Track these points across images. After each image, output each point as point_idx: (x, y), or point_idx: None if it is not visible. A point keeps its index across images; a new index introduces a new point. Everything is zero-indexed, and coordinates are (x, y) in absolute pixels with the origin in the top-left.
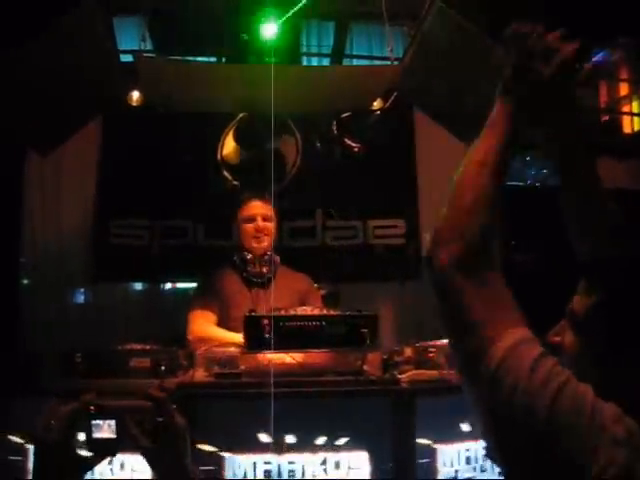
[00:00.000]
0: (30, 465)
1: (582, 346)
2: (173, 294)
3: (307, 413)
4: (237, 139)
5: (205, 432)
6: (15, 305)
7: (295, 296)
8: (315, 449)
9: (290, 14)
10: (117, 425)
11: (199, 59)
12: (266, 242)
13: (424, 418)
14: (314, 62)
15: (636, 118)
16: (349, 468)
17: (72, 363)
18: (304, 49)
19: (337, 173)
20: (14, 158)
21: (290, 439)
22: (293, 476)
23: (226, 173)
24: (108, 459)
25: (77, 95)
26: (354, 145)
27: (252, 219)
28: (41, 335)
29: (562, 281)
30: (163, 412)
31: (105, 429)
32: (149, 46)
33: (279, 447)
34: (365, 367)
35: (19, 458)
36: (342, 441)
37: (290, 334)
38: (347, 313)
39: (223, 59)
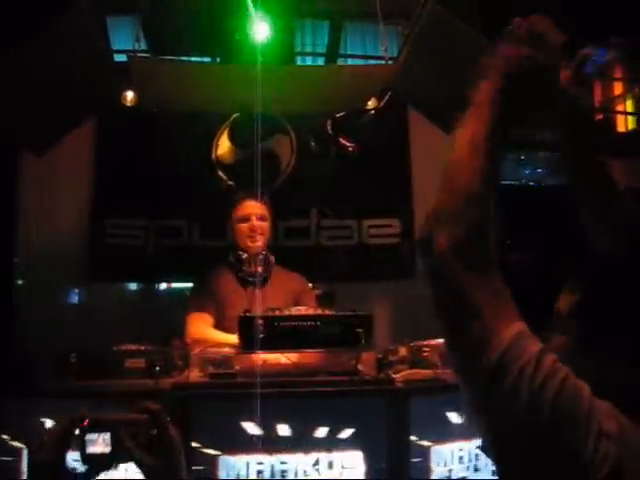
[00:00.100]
0: (24, 466)
1: (568, 344)
2: (168, 294)
3: (302, 413)
4: (232, 139)
5: (199, 432)
6: (9, 305)
7: (290, 296)
8: (308, 449)
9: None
10: (112, 438)
11: (193, 59)
12: (261, 242)
13: (418, 417)
14: (308, 62)
15: (630, 117)
16: (342, 468)
17: (66, 363)
18: (298, 49)
19: (332, 173)
20: (8, 158)
21: (284, 439)
22: (285, 476)
23: (221, 173)
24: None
25: (71, 95)
26: (349, 145)
27: (247, 219)
28: (35, 335)
29: (557, 280)
30: (157, 424)
31: (100, 443)
32: (143, 46)
33: (273, 446)
34: (359, 367)
35: (12, 459)
36: (336, 441)
37: (285, 334)
38: (341, 313)
39: (217, 59)
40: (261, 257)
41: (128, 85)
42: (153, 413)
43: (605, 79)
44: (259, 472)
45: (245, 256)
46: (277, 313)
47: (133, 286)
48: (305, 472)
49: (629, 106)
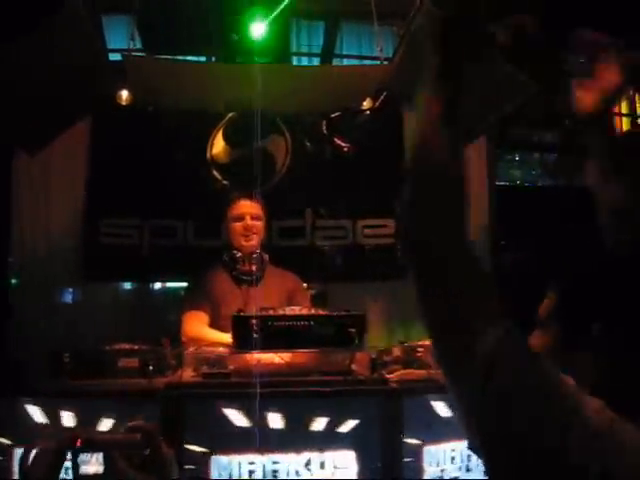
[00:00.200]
0: (15, 466)
1: (549, 343)
2: (163, 294)
3: (295, 413)
4: (226, 138)
5: (192, 432)
6: (3, 305)
7: (284, 295)
8: (300, 449)
9: (278, 12)
10: (105, 459)
11: (188, 58)
12: (255, 241)
13: (411, 417)
14: (304, 62)
15: (624, 118)
16: (335, 468)
17: (60, 363)
18: (294, 48)
19: (326, 173)
20: (2, 158)
21: (277, 439)
22: (277, 476)
23: (215, 172)
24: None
25: (65, 94)
26: (344, 145)
27: (241, 218)
28: (29, 335)
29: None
30: (151, 444)
31: (93, 463)
32: (138, 45)
33: (265, 446)
34: (353, 367)
35: (2, 458)
36: (329, 441)
37: (278, 334)
38: (335, 313)
39: (213, 58)
40: (255, 256)
41: (123, 84)
42: (146, 433)
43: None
44: (251, 472)
45: (239, 255)
46: (271, 313)
47: (127, 286)
48: (297, 472)
49: (623, 107)
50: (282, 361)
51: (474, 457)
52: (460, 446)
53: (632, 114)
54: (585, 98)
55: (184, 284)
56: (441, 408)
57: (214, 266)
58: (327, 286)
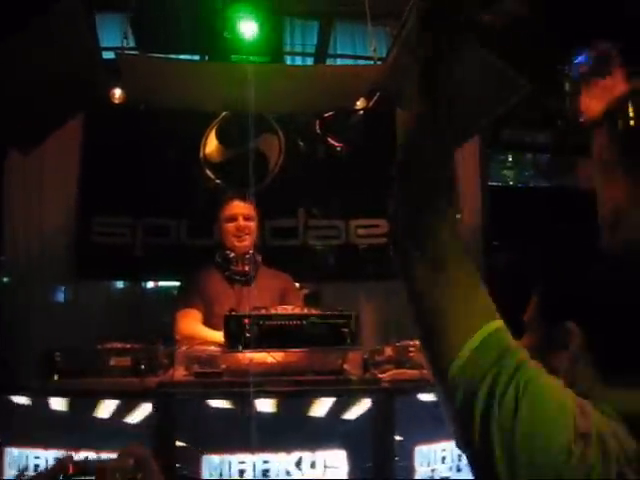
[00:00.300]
0: (5, 466)
1: (532, 344)
2: (155, 293)
3: (287, 412)
4: (220, 138)
5: (183, 431)
6: None
7: (276, 295)
8: (291, 448)
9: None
10: None
11: (182, 57)
12: (247, 241)
13: (402, 417)
14: (297, 61)
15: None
16: (325, 467)
17: (52, 362)
18: (287, 48)
19: (320, 172)
20: None
21: (268, 438)
22: (267, 476)
23: (209, 172)
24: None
25: (58, 93)
26: (337, 144)
27: (233, 218)
28: (21, 334)
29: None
30: (143, 469)
31: None
32: (131, 43)
33: (257, 445)
34: (345, 366)
35: None
36: (321, 440)
37: (270, 333)
38: (327, 312)
39: (206, 57)
40: (248, 256)
41: (116, 82)
42: (139, 458)
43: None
44: (241, 471)
45: (232, 255)
46: (263, 312)
47: (120, 284)
48: (287, 471)
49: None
50: (274, 360)
51: (465, 457)
52: (451, 446)
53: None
54: (592, 105)
55: (177, 283)
56: (433, 408)
57: (207, 266)
58: (320, 286)
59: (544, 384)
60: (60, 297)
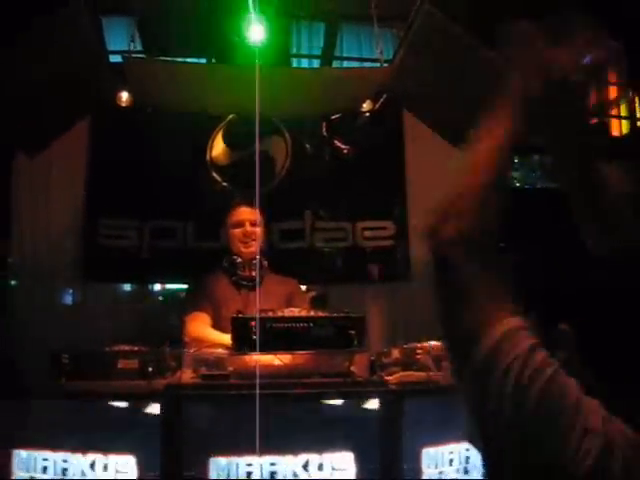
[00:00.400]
0: (14, 467)
1: None
2: (162, 295)
3: (294, 415)
4: (226, 140)
5: (191, 433)
6: (3, 305)
7: (282, 299)
8: (298, 450)
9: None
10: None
11: (188, 60)
12: (254, 247)
13: (410, 420)
14: (304, 64)
15: (624, 121)
16: (333, 469)
17: (59, 364)
18: (294, 50)
19: (326, 175)
20: (2, 159)
21: (275, 440)
22: (275, 477)
23: (215, 174)
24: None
25: (65, 96)
26: (343, 147)
27: (240, 224)
28: (29, 336)
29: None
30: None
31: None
32: (138, 47)
33: (264, 447)
34: (352, 369)
35: None
36: (328, 442)
37: (277, 335)
38: (334, 315)
39: (212, 60)
40: (255, 262)
41: (123, 85)
42: None
43: (600, 83)
44: (249, 473)
45: (239, 261)
46: (270, 314)
47: (127, 287)
48: (295, 473)
49: (623, 110)
50: (281, 363)
51: (472, 459)
52: (458, 448)
53: (631, 116)
54: (560, 59)
55: (183, 285)
56: (440, 410)
57: (215, 270)
58: (327, 288)
59: (562, 382)
60: (67, 299)
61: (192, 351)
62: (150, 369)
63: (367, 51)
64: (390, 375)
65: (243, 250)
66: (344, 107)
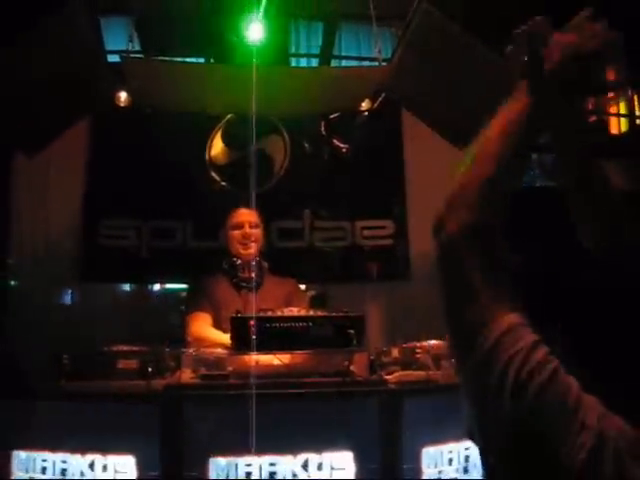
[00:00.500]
0: (14, 468)
1: None
2: (161, 295)
3: (293, 414)
4: (225, 140)
5: (190, 433)
6: (3, 306)
7: (282, 301)
8: (298, 450)
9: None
10: None
11: (187, 59)
12: (253, 249)
13: (409, 419)
14: (303, 63)
15: (622, 119)
16: (332, 469)
17: (59, 364)
18: (293, 50)
19: (325, 174)
20: (1, 159)
21: (275, 440)
22: (274, 477)
23: (214, 174)
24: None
25: (64, 96)
26: (342, 146)
27: (239, 226)
28: (29, 336)
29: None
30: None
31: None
32: (137, 46)
33: (264, 447)
34: (352, 368)
35: None
36: (328, 442)
37: (277, 335)
38: (333, 314)
39: (211, 59)
40: (254, 263)
41: (121, 85)
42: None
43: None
44: (248, 474)
45: (239, 262)
46: (269, 314)
47: (126, 287)
48: (294, 473)
49: (622, 108)
50: (281, 362)
51: (472, 459)
52: (458, 447)
53: (630, 114)
54: (554, 53)
55: (183, 285)
56: (439, 409)
57: (215, 271)
58: (326, 287)
59: (563, 378)
60: (67, 299)
61: (191, 351)
62: (149, 369)
63: (366, 50)
64: (389, 374)
65: (242, 252)
66: (343, 106)
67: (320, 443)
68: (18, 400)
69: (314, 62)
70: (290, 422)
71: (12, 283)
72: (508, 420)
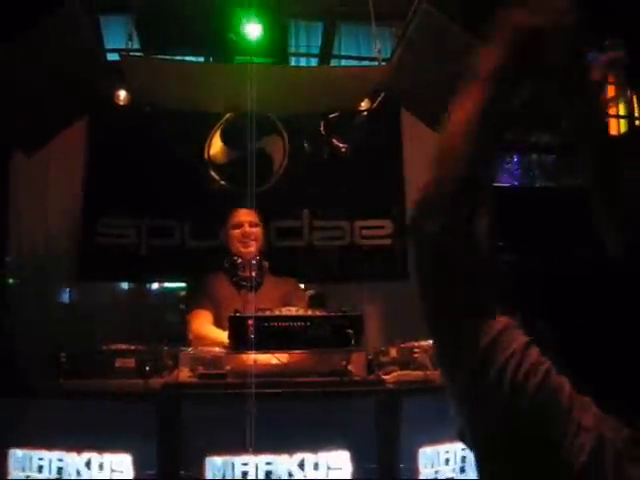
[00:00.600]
0: (10, 467)
1: None
2: (159, 294)
3: (291, 414)
4: (224, 139)
5: (187, 433)
6: (1, 304)
7: (282, 299)
8: (294, 450)
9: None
10: None
11: (186, 58)
12: (253, 247)
13: (406, 419)
14: (302, 62)
15: (622, 120)
16: (328, 468)
17: (57, 363)
18: (292, 49)
19: (324, 173)
20: (0, 157)
21: (273, 439)
22: (270, 477)
23: (213, 173)
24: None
25: (63, 94)
26: (341, 145)
27: (239, 225)
28: (26, 335)
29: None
30: None
31: None
32: (136, 45)
33: (261, 447)
34: (350, 368)
35: None
36: (325, 442)
37: (275, 334)
38: (331, 314)
39: (210, 58)
40: (255, 262)
41: (120, 84)
42: None
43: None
44: (244, 473)
45: (239, 261)
46: (267, 313)
47: (124, 285)
48: (290, 473)
49: (621, 109)
50: (278, 362)
51: (468, 459)
52: (455, 448)
53: (630, 116)
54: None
55: (181, 284)
56: (437, 409)
57: (216, 270)
58: (324, 287)
59: (556, 379)
60: (65, 298)
61: (189, 350)
62: (147, 368)
63: (365, 50)
64: (387, 374)
65: (242, 250)
66: (342, 106)
67: (317, 443)
68: (15, 398)
69: (314, 62)
70: (288, 421)
71: (10, 281)
72: (506, 422)
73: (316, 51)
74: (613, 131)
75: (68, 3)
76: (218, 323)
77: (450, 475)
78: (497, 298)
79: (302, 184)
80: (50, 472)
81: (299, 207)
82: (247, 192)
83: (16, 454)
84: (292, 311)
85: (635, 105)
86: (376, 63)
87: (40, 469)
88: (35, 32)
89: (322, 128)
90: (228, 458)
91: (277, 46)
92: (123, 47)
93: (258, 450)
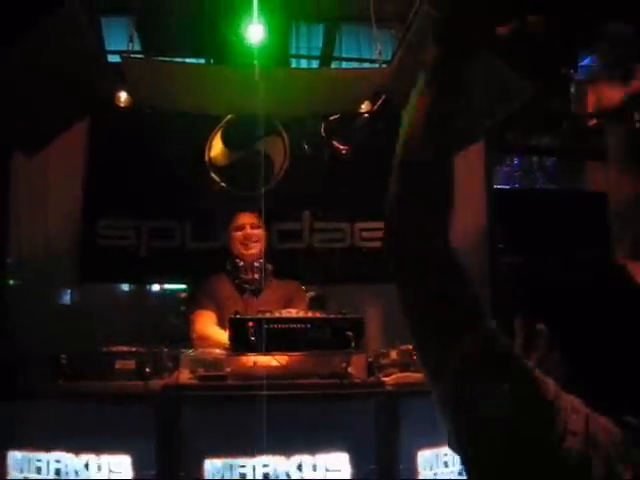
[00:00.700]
0: (9, 468)
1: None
2: (160, 295)
3: (291, 416)
4: (225, 141)
5: (187, 434)
6: (1, 306)
7: (284, 302)
8: (293, 452)
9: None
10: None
11: (187, 60)
12: (255, 249)
13: (405, 421)
14: (303, 64)
15: None
16: (327, 470)
17: (57, 364)
18: (293, 51)
19: (325, 175)
20: (0, 159)
21: (273, 441)
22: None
23: (214, 175)
24: (84, 461)
25: (63, 96)
26: (342, 147)
27: (241, 227)
28: (27, 336)
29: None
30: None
31: None
32: (137, 47)
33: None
34: (350, 370)
35: None
36: (324, 443)
37: (275, 336)
38: (332, 316)
39: (211, 60)
40: (257, 265)
41: (121, 86)
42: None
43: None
44: (242, 475)
45: (242, 264)
46: (268, 315)
47: (125, 287)
48: (288, 474)
49: None
50: (279, 364)
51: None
52: None
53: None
54: (612, 95)
55: (182, 286)
56: (435, 412)
57: (218, 273)
58: (325, 289)
59: (540, 381)
60: (65, 299)
61: (189, 352)
62: (147, 370)
63: (366, 52)
64: (387, 376)
65: (244, 252)
66: (343, 108)
67: (317, 444)
68: (15, 400)
69: (314, 63)
70: (288, 423)
71: (11, 283)
72: (491, 425)
73: (317, 53)
74: None
75: (68, 3)
76: (220, 324)
77: (448, 477)
78: (476, 306)
79: (302, 186)
80: (48, 473)
81: (299, 209)
82: (248, 194)
83: (15, 456)
84: (292, 313)
85: None
86: (377, 65)
87: (39, 470)
88: (35, 33)
89: (323, 130)
90: (227, 460)
91: (278, 48)
92: (124, 49)
93: (259, 452)
